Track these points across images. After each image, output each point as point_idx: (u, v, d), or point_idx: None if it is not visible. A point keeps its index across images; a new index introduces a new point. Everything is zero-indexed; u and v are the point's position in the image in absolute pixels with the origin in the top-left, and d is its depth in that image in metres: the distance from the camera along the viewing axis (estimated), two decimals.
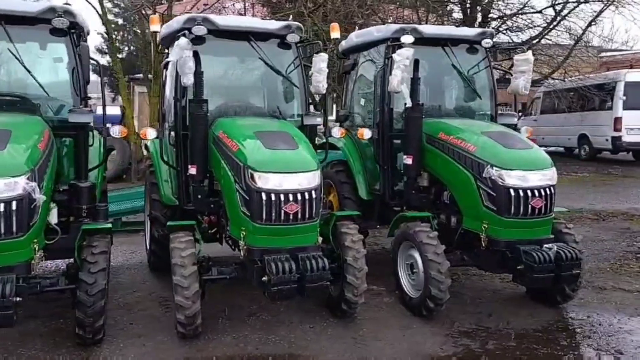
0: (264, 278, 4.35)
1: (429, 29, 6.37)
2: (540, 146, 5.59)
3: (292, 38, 5.71)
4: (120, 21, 31.37)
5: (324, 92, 5.63)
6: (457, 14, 18.17)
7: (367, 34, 6.78)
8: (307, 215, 4.54)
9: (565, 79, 17.35)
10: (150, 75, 14.34)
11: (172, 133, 5.55)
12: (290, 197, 4.46)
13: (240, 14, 15.20)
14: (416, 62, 5.68)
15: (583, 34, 16.64)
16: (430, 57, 6.48)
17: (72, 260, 4.69)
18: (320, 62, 5.49)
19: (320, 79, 5.52)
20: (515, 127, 6.33)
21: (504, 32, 17.02)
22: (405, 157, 5.89)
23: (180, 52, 4.85)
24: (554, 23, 16.56)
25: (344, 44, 7.24)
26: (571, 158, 18.78)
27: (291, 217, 4.48)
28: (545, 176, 5.13)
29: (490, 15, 17.12)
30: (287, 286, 4.32)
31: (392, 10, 16.57)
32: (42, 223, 4.28)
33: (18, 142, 4.17)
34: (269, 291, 4.35)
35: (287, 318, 5.16)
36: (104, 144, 5.38)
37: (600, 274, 6.61)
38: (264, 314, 5.24)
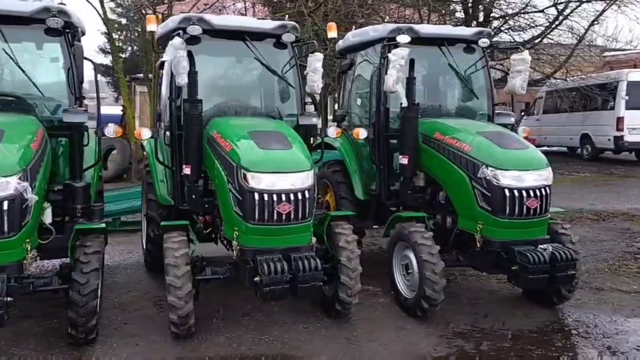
0: (256, 278, 4.35)
1: (425, 29, 6.34)
2: (542, 146, 5.57)
3: (287, 38, 5.70)
4: (123, 21, 31.40)
5: (319, 91, 5.61)
6: (460, 14, 18.13)
7: (363, 33, 6.76)
8: (300, 216, 4.53)
9: (568, 79, 17.29)
10: (150, 75, 14.35)
11: (168, 133, 5.55)
12: (283, 197, 4.45)
13: (242, 14, 15.21)
14: (412, 62, 5.66)
15: (585, 33, 16.59)
16: (427, 56, 6.48)
17: (66, 260, 4.69)
18: (316, 61, 5.47)
19: (315, 79, 5.50)
20: (512, 127, 6.31)
21: (506, 31, 16.99)
22: (401, 157, 5.88)
23: (174, 51, 4.84)
24: (556, 22, 16.51)
25: (341, 44, 7.23)
26: (573, 158, 18.72)
27: (284, 217, 4.47)
28: (540, 176, 5.09)
29: (492, 14, 17.07)
30: (279, 286, 4.31)
31: (394, 10, 16.53)
32: (35, 223, 4.29)
33: (10, 141, 4.17)
34: (261, 291, 4.34)
35: (281, 318, 5.15)
36: (99, 143, 5.38)
37: (598, 275, 6.58)
38: (257, 314, 5.23)
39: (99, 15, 14.30)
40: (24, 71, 4.94)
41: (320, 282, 4.54)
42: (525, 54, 5.86)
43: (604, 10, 16.35)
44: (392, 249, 5.48)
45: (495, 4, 16.79)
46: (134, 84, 20.29)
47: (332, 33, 6.01)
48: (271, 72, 5.76)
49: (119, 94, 29.76)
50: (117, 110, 17.57)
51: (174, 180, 5.55)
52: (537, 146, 5.87)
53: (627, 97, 16.34)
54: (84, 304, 4.27)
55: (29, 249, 4.13)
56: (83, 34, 5.62)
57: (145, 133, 5.45)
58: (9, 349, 4.45)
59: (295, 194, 4.49)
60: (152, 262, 6.28)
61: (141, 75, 17.12)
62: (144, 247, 6.69)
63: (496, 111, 6.54)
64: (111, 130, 5.24)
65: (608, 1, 16.11)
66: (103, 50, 31.30)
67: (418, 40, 5.99)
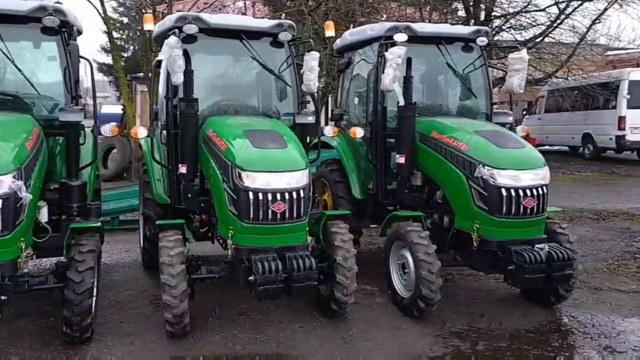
0: (250, 277, 4.33)
1: (423, 27, 6.32)
2: (544, 145, 5.53)
3: (284, 36, 5.69)
4: (125, 20, 31.44)
5: (315, 90, 5.60)
6: (462, 12, 18.08)
7: (361, 32, 6.74)
8: (295, 215, 4.51)
9: (569, 78, 17.24)
10: (150, 74, 14.34)
11: (164, 132, 5.55)
12: (278, 196, 4.44)
13: (242, 13, 15.20)
14: (409, 61, 5.64)
15: (587, 32, 16.53)
16: (425, 55, 6.45)
17: (62, 258, 4.69)
18: (312, 60, 5.45)
19: (311, 78, 5.48)
20: (510, 126, 6.29)
21: (507, 30, 16.93)
22: (398, 156, 5.86)
23: (169, 50, 4.84)
24: (558, 21, 16.44)
25: (338, 42, 7.21)
26: (575, 157, 18.67)
27: (279, 216, 4.45)
28: (537, 175, 5.07)
29: (493, 13, 17.01)
30: (273, 286, 4.30)
31: (394, 9, 16.48)
32: (29, 221, 4.28)
33: (5, 140, 4.17)
34: (256, 290, 4.33)
35: (276, 317, 5.14)
36: (96, 142, 5.37)
37: (597, 274, 6.55)
38: (253, 313, 5.22)
39: (99, 14, 14.30)
40: (20, 70, 4.94)
41: (315, 282, 4.52)
42: (523, 53, 5.83)
43: (605, 9, 16.31)
44: (389, 249, 5.47)
45: (496, 3, 16.74)
46: (135, 83, 20.27)
47: (330, 32, 5.99)
48: (268, 71, 5.75)
49: (121, 93, 29.80)
50: (118, 109, 17.60)
51: (170, 179, 5.55)
52: (538, 145, 5.86)
53: (628, 96, 16.30)
54: (78, 302, 4.27)
55: (23, 247, 4.13)
56: (80, 33, 5.62)
57: (142, 132, 5.44)
58: (4, 347, 4.46)
59: (290, 193, 4.48)
60: (150, 260, 6.28)
61: (142, 74, 17.10)
62: (142, 245, 6.70)
63: (494, 110, 6.52)
64: (107, 129, 5.25)
65: (610, 0, 16.05)
66: (105, 50, 31.39)
67: (415, 39, 5.96)
